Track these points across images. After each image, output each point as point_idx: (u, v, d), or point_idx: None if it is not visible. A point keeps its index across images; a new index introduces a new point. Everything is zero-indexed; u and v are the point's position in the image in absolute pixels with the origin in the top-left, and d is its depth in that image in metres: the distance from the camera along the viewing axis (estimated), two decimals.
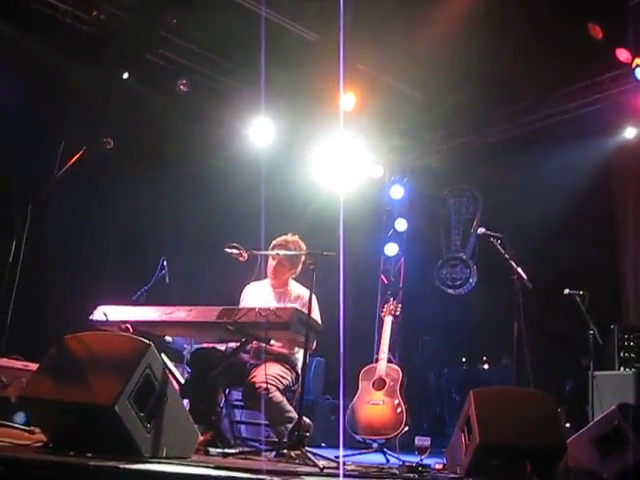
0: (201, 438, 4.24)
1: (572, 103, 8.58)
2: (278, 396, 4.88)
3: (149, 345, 3.54)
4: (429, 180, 10.62)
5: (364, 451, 5.94)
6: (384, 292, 9.54)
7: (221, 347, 5.13)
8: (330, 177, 9.24)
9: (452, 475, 4.55)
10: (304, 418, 4.73)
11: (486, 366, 10.70)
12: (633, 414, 5.42)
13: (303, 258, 5.39)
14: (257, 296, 5.42)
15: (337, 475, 3.84)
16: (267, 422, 5.14)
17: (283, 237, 5.43)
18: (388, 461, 5.57)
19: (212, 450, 4.34)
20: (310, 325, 4.56)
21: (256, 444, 5.38)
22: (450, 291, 10.54)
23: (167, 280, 6.66)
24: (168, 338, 5.67)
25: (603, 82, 8.25)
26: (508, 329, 5.90)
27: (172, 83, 8.33)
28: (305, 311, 4.62)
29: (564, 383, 8.85)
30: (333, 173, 9.26)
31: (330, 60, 7.05)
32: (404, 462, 4.93)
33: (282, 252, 5.33)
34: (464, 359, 10.91)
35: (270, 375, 4.84)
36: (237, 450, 4.57)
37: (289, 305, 4.98)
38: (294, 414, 4.82)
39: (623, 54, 7.40)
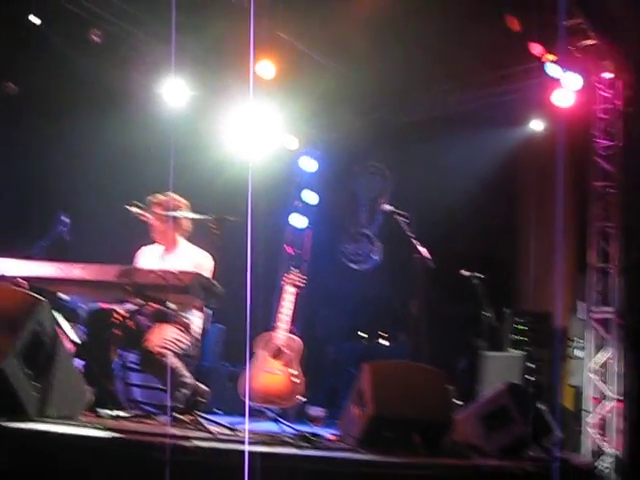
0: (93, 399, 4.15)
1: (485, 91, 8.74)
2: (174, 361, 4.82)
3: (41, 301, 3.43)
4: (341, 155, 10.65)
5: (258, 419, 5.96)
6: (288, 263, 9.54)
7: (118, 308, 5.03)
8: (243, 145, 9.14)
9: (344, 446, 4.62)
10: (200, 384, 4.71)
11: (384, 342, 10.91)
12: (518, 393, 5.66)
13: (191, 216, 5.32)
14: (147, 260, 5.33)
15: (230, 441, 3.84)
16: (162, 386, 5.09)
17: (155, 196, 5.33)
18: (282, 430, 5.61)
19: (103, 412, 4.25)
20: (211, 290, 4.51)
21: (150, 408, 5.31)
22: (353, 266, 10.65)
23: (66, 237, 6.44)
24: (64, 296, 5.50)
25: (515, 74, 8.41)
26: (407, 307, 6.01)
27: (84, 32, 7.99)
28: (207, 275, 4.58)
29: (457, 362, 9.14)
30: (246, 142, 9.16)
31: (248, 25, 6.92)
32: (298, 431, 4.97)
33: (189, 214, 5.25)
34: (363, 334, 11.09)
35: (166, 339, 4.78)
36: (129, 413, 4.50)
37: (190, 269, 4.91)
38: (189, 379, 4.79)
39: (536, 48, 7.56)
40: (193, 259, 5.26)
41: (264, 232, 9.15)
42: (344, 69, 8.77)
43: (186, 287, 4.44)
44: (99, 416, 4.13)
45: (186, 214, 5.26)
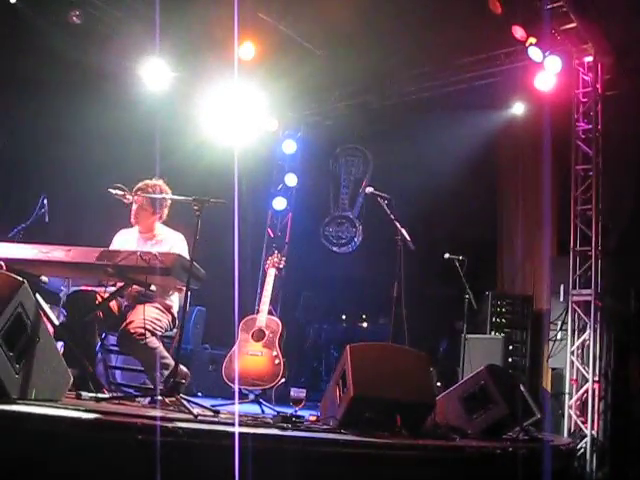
0: (74, 381, 4.13)
1: (467, 74, 8.72)
2: (154, 341, 4.82)
3: (22, 282, 3.40)
4: (322, 137, 10.63)
5: (240, 401, 5.96)
6: (269, 246, 9.54)
7: (99, 290, 5.00)
8: (224, 128, 9.09)
9: (325, 426, 4.64)
10: (181, 366, 4.70)
11: (365, 324, 10.98)
12: (499, 375, 5.72)
13: (169, 202, 5.31)
14: (124, 242, 5.31)
15: (212, 422, 3.85)
16: (143, 368, 5.08)
17: (144, 181, 5.31)
18: (263, 411, 5.62)
19: (84, 394, 4.23)
20: (192, 272, 4.50)
21: (131, 390, 5.30)
22: (335, 249, 10.67)
23: (47, 219, 6.40)
24: (44, 278, 5.45)
25: (498, 57, 8.41)
26: (388, 289, 6.03)
27: (64, 12, 7.88)
28: (187, 257, 4.56)
29: (438, 344, 9.21)
30: (227, 124, 9.11)
31: (230, 6, 6.85)
32: (279, 413, 4.98)
33: (171, 197, 5.23)
34: (344, 316, 11.14)
35: (146, 320, 4.76)
36: (110, 395, 4.49)
37: (172, 251, 4.88)
38: (170, 361, 4.78)
39: (519, 32, 7.56)
40: (170, 242, 5.26)
41: (248, 216, 9.17)
42: (326, 52, 8.72)
43: (167, 269, 4.42)
44: (80, 398, 4.11)
45: (167, 196, 5.24)
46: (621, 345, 7.22)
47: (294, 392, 5.15)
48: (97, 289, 5.03)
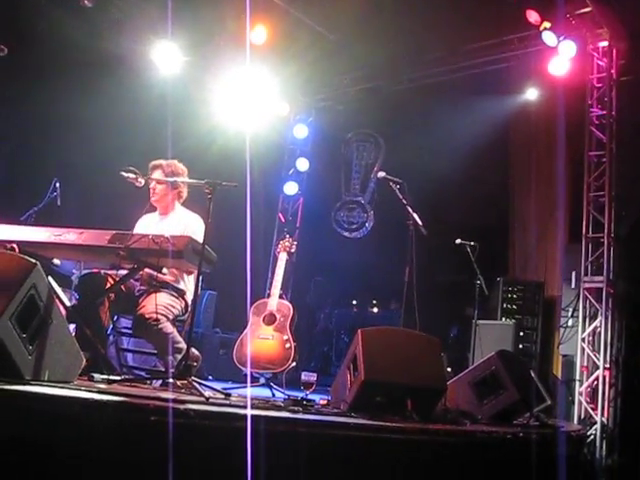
0: (86, 363, 4.16)
1: (480, 59, 8.66)
2: (168, 327, 4.84)
3: (35, 264, 3.41)
4: (334, 122, 10.59)
5: (251, 384, 5.98)
6: (281, 230, 9.53)
7: (111, 273, 5.02)
8: (236, 112, 9.07)
9: (336, 410, 4.65)
10: (192, 349, 4.72)
11: (375, 309, 10.98)
12: (510, 361, 5.71)
13: (187, 182, 5.31)
14: (145, 227, 5.33)
15: (223, 404, 3.86)
16: (155, 352, 5.10)
17: (159, 160, 5.33)
18: (274, 395, 5.64)
19: (97, 376, 4.26)
20: (204, 256, 4.51)
21: (143, 373, 5.33)
22: (346, 234, 10.66)
23: (59, 202, 6.41)
24: (56, 261, 5.49)
25: (511, 42, 8.34)
26: (400, 274, 6.02)
27: None
28: (198, 239, 4.57)
29: (449, 329, 9.21)
30: (239, 108, 9.09)
31: None
32: (289, 396, 4.99)
33: (185, 179, 5.24)
34: (355, 302, 11.14)
35: (160, 305, 4.79)
36: (122, 377, 4.51)
37: (184, 234, 4.89)
38: (183, 345, 4.80)
39: (533, 16, 7.50)
40: (184, 222, 5.27)
41: (259, 201, 9.17)
42: (338, 36, 8.68)
43: (179, 252, 4.43)
44: (93, 380, 4.14)
45: (180, 180, 5.25)
46: (632, 332, 7.20)
47: (305, 376, 5.16)
48: (109, 272, 5.05)
